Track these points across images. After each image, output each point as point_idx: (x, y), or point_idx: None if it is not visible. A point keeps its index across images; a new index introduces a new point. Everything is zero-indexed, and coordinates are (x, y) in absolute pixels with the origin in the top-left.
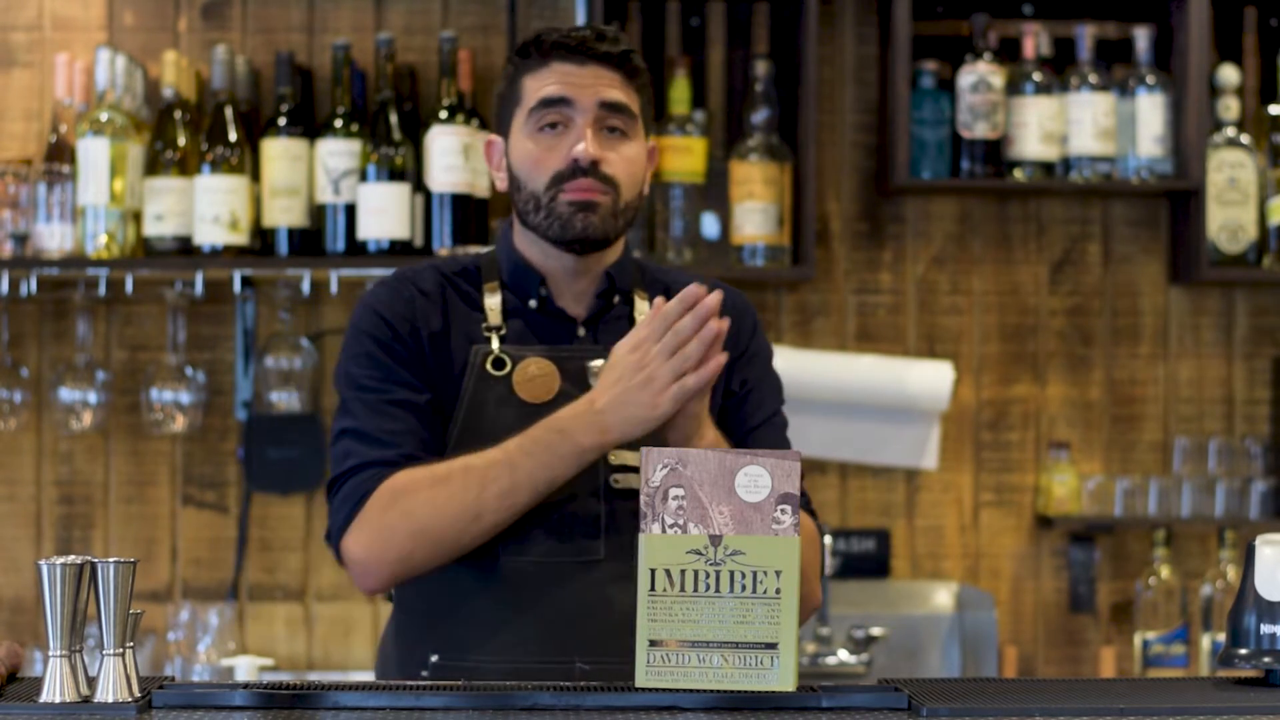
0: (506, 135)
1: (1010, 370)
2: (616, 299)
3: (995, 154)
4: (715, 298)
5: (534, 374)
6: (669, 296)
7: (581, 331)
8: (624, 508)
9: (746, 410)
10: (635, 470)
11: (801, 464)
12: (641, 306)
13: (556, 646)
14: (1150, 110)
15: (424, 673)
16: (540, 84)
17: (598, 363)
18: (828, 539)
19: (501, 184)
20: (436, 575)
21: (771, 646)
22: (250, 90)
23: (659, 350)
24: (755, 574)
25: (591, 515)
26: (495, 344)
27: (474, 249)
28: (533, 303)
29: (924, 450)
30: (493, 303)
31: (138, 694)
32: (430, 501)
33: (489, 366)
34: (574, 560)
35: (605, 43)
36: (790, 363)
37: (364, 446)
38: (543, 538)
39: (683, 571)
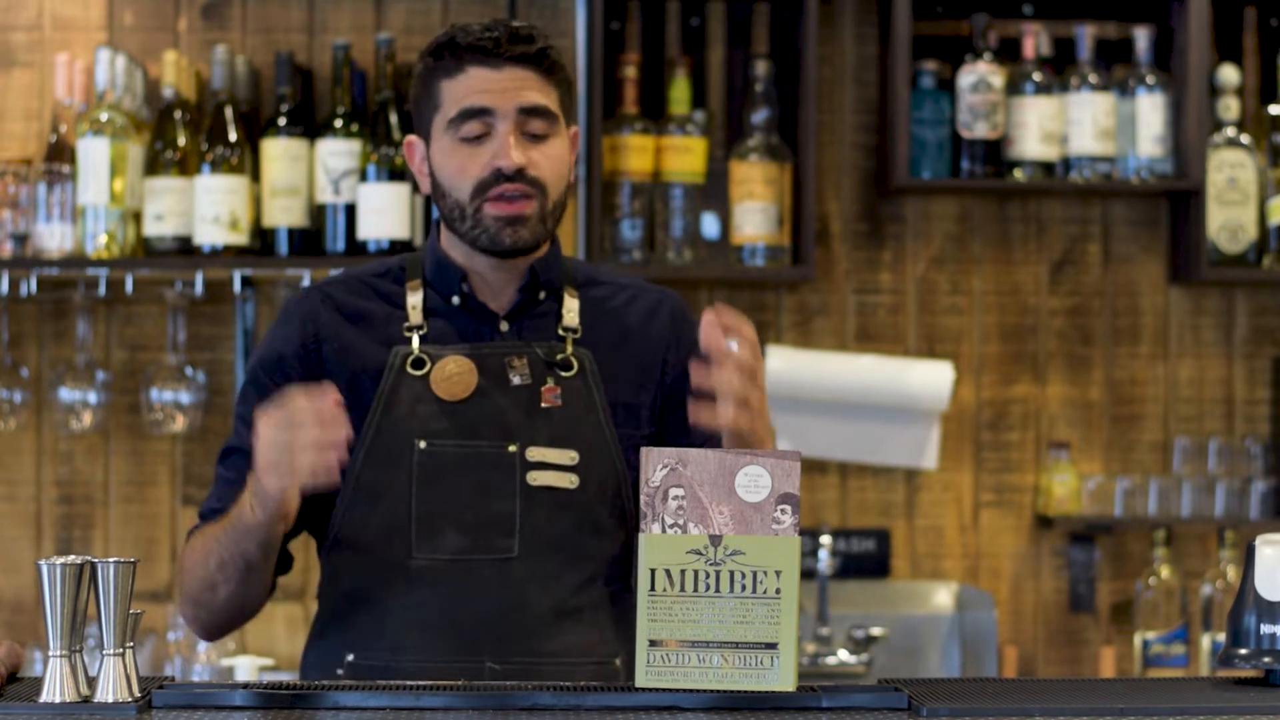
0: (427, 138)
1: (1010, 370)
2: (543, 295)
3: (995, 154)
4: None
5: (451, 372)
6: (597, 295)
7: (505, 327)
8: (540, 505)
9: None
10: (553, 468)
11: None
12: (571, 304)
13: (467, 646)
14: (1150, 110)
15: (340, 671)
16: (458, 92)
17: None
18: (826, 538)
19: (425, 186)
20: (353, 574)
21: (771, 646)
22: (250, 90)
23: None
24: (755, 574)
25: (506, 513)
26: (415, 343)
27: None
28: (455, 299)
29: (924, 450)
30: (414, 301)
31: (138, 694)
32: (188, 571)
33: (409, 367)
34: (487, 558)
35: (520, 43)
36: (790, 363)
37: (211, 492)
38: (456, 536)
39: (683, 571)
